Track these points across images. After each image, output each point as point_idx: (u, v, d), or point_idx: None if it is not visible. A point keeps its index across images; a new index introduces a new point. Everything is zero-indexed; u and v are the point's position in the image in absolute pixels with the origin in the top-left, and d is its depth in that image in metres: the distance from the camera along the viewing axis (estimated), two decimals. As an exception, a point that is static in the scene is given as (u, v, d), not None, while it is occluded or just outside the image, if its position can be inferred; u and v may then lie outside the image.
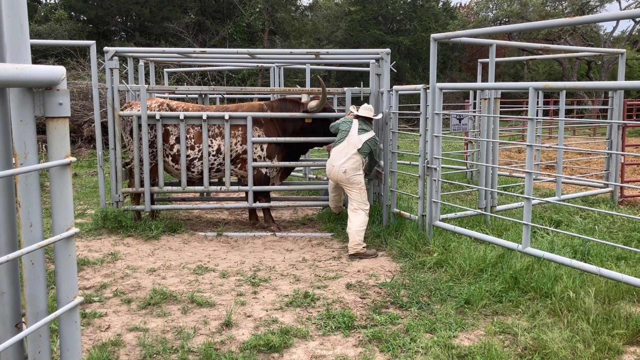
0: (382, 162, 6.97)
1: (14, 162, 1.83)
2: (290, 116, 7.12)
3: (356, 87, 7.42)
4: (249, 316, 4.34)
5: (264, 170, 7.17)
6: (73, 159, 1.86)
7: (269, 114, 7.11)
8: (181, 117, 6.82)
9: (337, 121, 6.67)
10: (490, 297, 4.55)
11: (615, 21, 27.87)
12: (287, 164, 7.29)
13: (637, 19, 27.20)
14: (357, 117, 6.48)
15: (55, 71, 1.79)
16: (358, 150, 6.19)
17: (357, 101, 7.22)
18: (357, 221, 6.10)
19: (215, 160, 7.07)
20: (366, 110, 6.48)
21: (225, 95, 9.85)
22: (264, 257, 6.04)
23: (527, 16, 27.81)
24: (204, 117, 6.84)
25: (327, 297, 4.73)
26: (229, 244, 6.61)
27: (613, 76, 28.21)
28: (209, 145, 7.01)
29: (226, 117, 6.87)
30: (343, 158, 6.22)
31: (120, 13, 26.07)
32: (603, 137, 11.89)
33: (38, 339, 1.88)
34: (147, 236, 6.63)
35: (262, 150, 7.14)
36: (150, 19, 25.91)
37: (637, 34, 29.83)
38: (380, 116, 6.89)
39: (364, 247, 6.01)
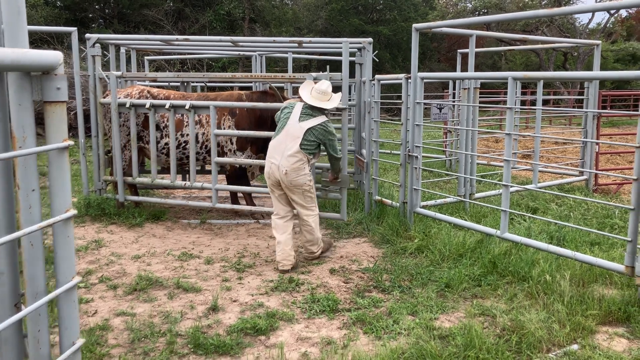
0: (364, 151, 6.98)
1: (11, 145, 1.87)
2: (264, 107, 6.54)
3: (325, 73, 6.25)
4: (234, 301, 4.41)
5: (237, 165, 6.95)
6: (71, 142, 1.91)
7: (239, 103, 6.59)
8: (147, 105, 6.54)
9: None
10: (470, 281, 4.69)
11: (591, 13, 28.35)
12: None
13: (612, 11, 27.69)
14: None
15: (53, 56, 1.83)
16: (300, 145, 4.86)
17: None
18: (309, 234, 5.26)
19: (183, 153, 6.88)
20: (318, 94, 4.99)
21: (207, 84, 9.80)
22: (248, 244, 6.09)
23: (505, 7, 28.09)
24: (167, 106, 6.47)
25: (312, 282, 4.82)
26: (212, 231, 6.65)
27: (588, 67, 28.66)
28: (181, 135, 6.78)
29: (187, 107, 6.41)
30: (280, 155, 4.91)
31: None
32: (578, 126, 12.15)
33: (37, 318, 1.93)
34: (130, 223, 6.63)
35: (232, 143, 6.87)
36: (129, 6, 25.52)
37: (611, 26, 30.36)
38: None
39: (320, 249, 5.43)
